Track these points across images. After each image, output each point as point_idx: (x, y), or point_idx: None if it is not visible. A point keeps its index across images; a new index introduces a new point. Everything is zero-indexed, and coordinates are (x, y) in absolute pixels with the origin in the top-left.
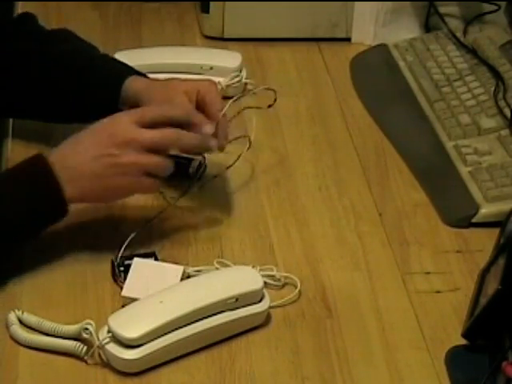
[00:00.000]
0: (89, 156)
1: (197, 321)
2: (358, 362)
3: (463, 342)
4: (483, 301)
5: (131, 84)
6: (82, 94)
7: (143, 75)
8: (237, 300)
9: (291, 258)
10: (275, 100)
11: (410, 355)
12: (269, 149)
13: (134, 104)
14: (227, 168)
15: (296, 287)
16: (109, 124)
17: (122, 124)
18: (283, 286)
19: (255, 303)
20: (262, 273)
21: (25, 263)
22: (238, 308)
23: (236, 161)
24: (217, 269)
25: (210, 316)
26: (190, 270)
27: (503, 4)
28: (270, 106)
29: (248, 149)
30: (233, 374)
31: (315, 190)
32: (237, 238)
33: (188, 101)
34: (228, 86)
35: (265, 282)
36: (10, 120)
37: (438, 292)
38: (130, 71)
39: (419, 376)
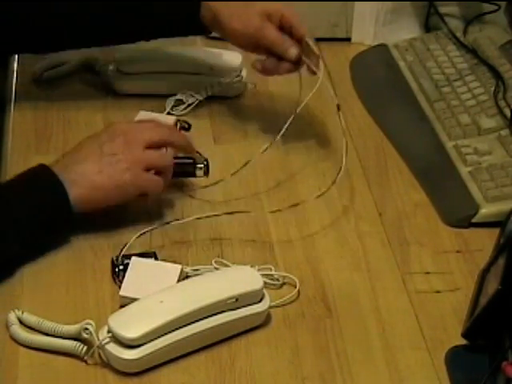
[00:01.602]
0: (91, 158)
1: (197, 321)
2: (357, 362)
3: (463, 342)
4: (483, 301)
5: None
6: (161, 11)
7: None
8: (237, 300)
9: (291, 258)
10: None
11: (410, 355)
12: (269, 149)
13: (213, 16)
14: (232, 175)
15: (295, 287)
16: (106, 132)
17: (118, 128)
18: (282, 285)
19: (255, 303)
20: (260, 272)
21: (25, 263)
22: (238, 308)
23: (243, 167)
24: (215, 268)
25: (210, 316)
26: (188, 269)
27: (503, 4)
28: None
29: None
30: (233, 373)
31: (315, 190)
32: (237, 238)
33: (272, 25)
34: (228, 85)
35: (264, 282)
36: (10, 120)
37: (438, 292)
38: None
39: (419, 376)
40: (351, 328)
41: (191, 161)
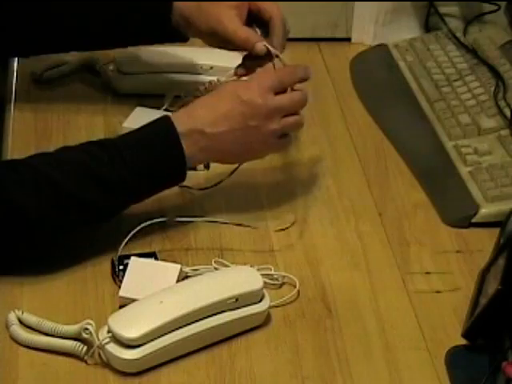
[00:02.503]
0: (232, 129)
1: (197, 321)
2: (358, 362)
3: (463, 342)
4: (483, 301)
5: (179, 6)
6: (133, 19)
7: None
8: (237, 300)
9: (291, 258)
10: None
11: (410, 355)
12: None
13: (186, 21)
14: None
15: (295, 287)
16: (244, 95)
17: (257, 94)
18: (282, 285)
19: (255, 303)
20: (259, 272)
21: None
22: (238, 308)
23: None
24: (215, 268)
25: (209, 316)
26: (188, 269)
27: (503, 4)
28: None
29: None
30: (233, 373)
31: (315, 189)
32: (237, 238)
33: (239, 22)
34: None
35: (263, 282)
36: (10, 120)
37: (438, 292)
38: None
39: (419, 376)
40: (351, 328)
41: None
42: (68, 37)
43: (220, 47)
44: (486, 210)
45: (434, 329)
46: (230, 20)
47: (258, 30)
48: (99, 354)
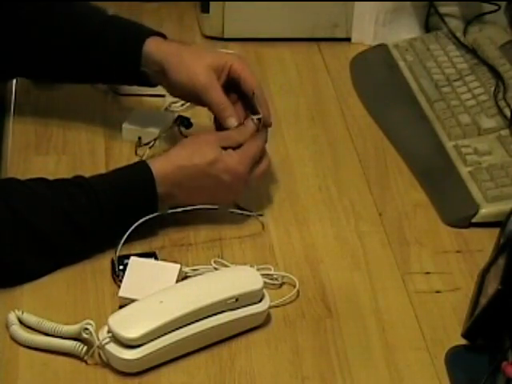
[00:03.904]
0: (207, 186)
1: (197, 321)
2: (357, 362)
3: (463, 342)
4: (483, 301)
5: (154, 46)
6: (100, 57)
7: (161, 35)
8: (237, 300)
9: (291, 258)
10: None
11: (410, 355)
12: (269, 149)
13: (160, 67)
14: None
15: (295, 286)
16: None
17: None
18: (281, 285)
19: (255, 303)
20: (259, 272)
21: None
22: (238, 308)
23: None
24: (215, 268)
25: (209, 316)
26: (188, 269)
27: (503, 4)
28: None
29: None
30: (233, 373)
31: (315, 190)
32: (237, 238)
33: (217, 86)
34: None
35: (263, 282)
36: (10, 120)
37: (438, 292)
38: (148, 32)
39: (419, 376)
40: (351, 328)
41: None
42: (41, 66)
43: (189, 101)
44: (486, 210)
45: (434, 329)
46: (207, 78)
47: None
48: (99, 354)
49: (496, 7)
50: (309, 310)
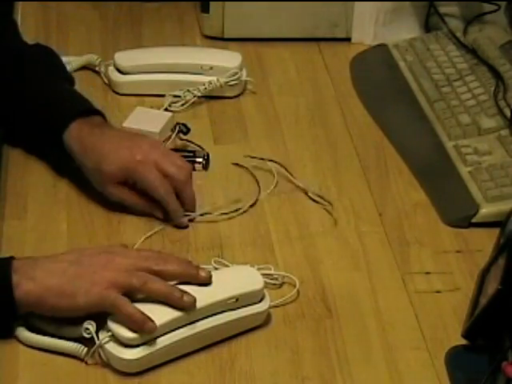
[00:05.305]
0: (62, 259)
1: (197, 321)
2: (357, 362)
3: (463, 342)
4: (483, 301)
5: (73, 138)
6: (33, 130)
7: (96, 112)
8: (237, 300)
9: (291, 258)
10: None
11: (410, 355)
12: (269, 149)
13: (80, 153)
14: None
15: (295, 286)
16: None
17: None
18: (281, 285)
19: (255, 303)
20: (260, 272)
21: None
22: (238, 308)
23: None
24: (215, 268)
25: (210, 316)
26: None
27: (503, 4)
28: None
29: None
30: (233, 373)
31: (315, 189)
32: (237, 238)
33: (162, 180)
34: (228, 85)
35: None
36: None
37: (438, 292)
38: (74, 113)
39: (419, 376)
40: (351, 328)
41: (191, 154)
42: None
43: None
44: (486, 210)
45: (434, 329)
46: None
47: None
48: (99, 354)
49: (496, 7)
50: (309, 310)
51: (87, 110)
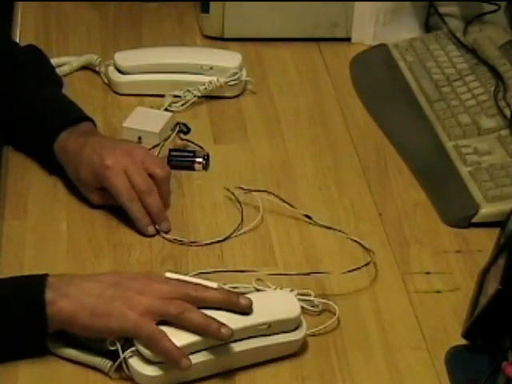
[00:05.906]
0: (100, 280)
1: (225, 344)
2: (358, 362)
3: (463, 342)
4: (483, 301)
5: (61, 148)
6: (25, 139)
7: (88, 119)
8: (269, 327)
9: (291, 258)
10: None
11: (410, 355)
12: (269, 149)
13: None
14: None
15: (335, 314)
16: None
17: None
18: (320, 312)
19: (291, 331)
20: (298, 297)
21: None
22: (270, 335)
23: None
24: (255, 289)
25: (239, 340)
26: (227, 286)
27: (503, 4)
28: None
29: None
30: (233, 373)
31: (315, 190)
32: (237, 238)
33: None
34: (228, 85)
35: (301, 307)
36: None
37: (438, 292)
38: (63, 126)
39: (419, 376)
40: (351, 328)
41: (191, 154)
42: None
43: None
44: (486, 210)
45: (434, 329)
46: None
47: None
48: (122, 368)
49: (496, 7)
50: (309, 310)
51: (76, 119)
